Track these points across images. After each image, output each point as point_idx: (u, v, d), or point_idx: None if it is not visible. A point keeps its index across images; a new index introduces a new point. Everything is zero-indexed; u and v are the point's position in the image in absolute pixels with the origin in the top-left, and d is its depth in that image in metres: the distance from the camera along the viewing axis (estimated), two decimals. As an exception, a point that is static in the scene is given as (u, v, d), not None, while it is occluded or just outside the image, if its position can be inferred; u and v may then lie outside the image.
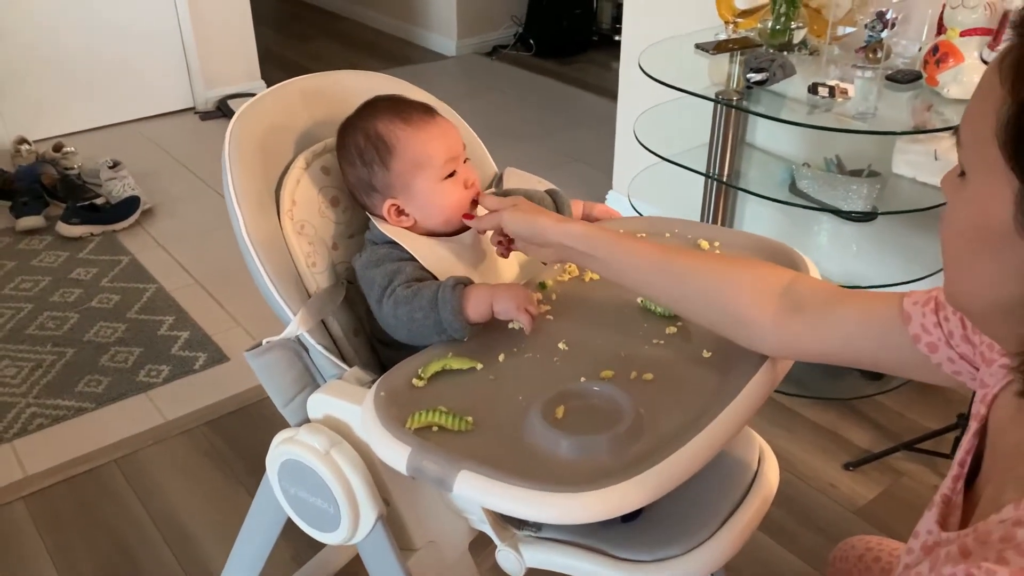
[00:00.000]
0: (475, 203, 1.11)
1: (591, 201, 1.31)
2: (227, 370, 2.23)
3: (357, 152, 1.10)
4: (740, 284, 0.91)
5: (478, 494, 0.78)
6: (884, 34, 1.93)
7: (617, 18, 4.63)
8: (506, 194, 1.23)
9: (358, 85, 1.23)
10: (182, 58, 3.80)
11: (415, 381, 0.95)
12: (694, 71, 2.10)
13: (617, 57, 2.89)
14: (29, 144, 3.29)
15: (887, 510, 1.81)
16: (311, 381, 1.05)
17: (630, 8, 2.72)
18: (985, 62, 1.75)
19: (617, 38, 4.21)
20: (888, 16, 1.91)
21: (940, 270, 2.04)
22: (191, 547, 1.71)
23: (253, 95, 1.17)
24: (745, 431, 1.09)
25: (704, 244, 1.20)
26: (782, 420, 2.05)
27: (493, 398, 0.92)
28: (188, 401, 2.12)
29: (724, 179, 2.13)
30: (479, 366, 0.97)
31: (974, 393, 0.79)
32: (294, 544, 1.65)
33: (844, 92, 1.84)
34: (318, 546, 1.56)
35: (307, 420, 1.03)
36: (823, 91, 1.84)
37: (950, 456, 1.88)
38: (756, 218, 2.49)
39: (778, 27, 2.05)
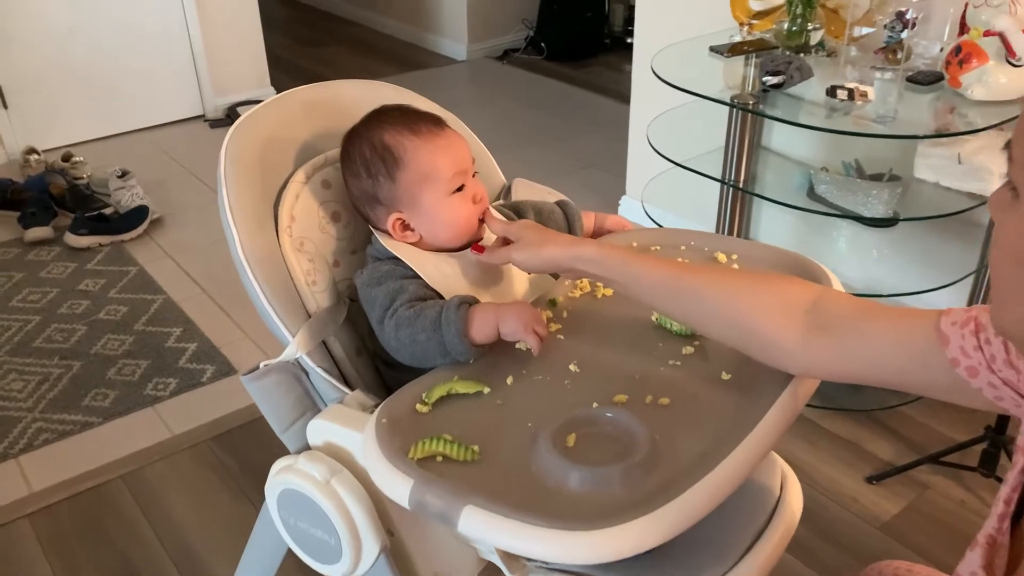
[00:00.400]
0: (483, 220, 1.07)
1: (603, 212, 1.26)
2: (235, 383, 2.19)
3: (362, 163, 1.06)
4: (763, 302, 0.87)
5: (484, 532, 0.74)
6: (904, 34, 1.88)
7: (629, 20, 4.58)
8: (515, 208, 1.19)
9: (361, 95, 1.19)
10: (191, 65, 3.78)
11: (419, 407, 0.90)
12: (708, 74, 2.06)
13: (629, 60, 2.85)
14: (38, 154, 3.29)
15: (912, 526, 1.76)
16: (311, 405, 1.01)
17: (642, 10, 2.68)
18: (1011, 63, 1.70)
19: (629, 41, 4.17)
20: (908, 16, 1.86)
21: (963, 277, 2.00)
22: (197, 566, 1.68)
23: (262, 102, 1.13)
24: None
25: (721, 257, 1.15)
26: (802, 432, 1.99)
27: (501, 425, 0.87)
28: (195, 415, 2.09)
29: (740, 185, 2.08)
30: (486, 390, 0.92)
31: (1015, 421, 0.74)
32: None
33: (863, 95, 1.78)
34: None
35: (307, 446, 0.99)
36: (842, 94, 1.79)
37: (977, 469, 1.83)
38: (773, 224, 2.43)
39: (794, 28, 2.01)
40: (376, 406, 0.93)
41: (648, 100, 2.70)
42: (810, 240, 2.39)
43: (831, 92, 1.80)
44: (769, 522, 0.94)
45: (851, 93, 1.78)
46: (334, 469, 0.92)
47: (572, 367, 0.95)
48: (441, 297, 1.02)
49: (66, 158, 3.19)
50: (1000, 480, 1.05)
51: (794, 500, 0.99)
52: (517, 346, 0.98)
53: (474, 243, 1.08)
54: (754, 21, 2.14)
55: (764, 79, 1.85)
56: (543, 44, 4.64)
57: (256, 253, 1.00)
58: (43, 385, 2.18)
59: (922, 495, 1.82)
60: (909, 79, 1.85)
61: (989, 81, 1.72)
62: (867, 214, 1.95)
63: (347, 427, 0.93)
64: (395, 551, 0.98)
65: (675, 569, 0.89)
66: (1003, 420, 1.79)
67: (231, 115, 3.79)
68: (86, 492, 1.86)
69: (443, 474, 0.80)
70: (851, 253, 2.29)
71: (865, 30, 1.99)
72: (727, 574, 0.89)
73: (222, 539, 1.74)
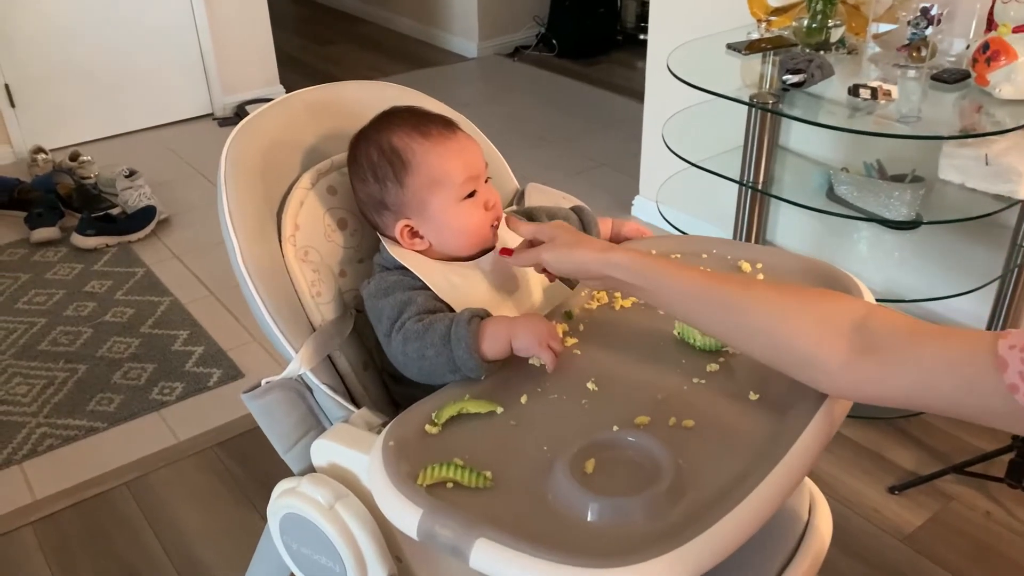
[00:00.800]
0: (495, 227, 1.02)
1: (615, 212, 1.21)
2: (242, 387, 2.14)
3: (369, 167, 1.01)
4: (805, 320, 0.81)
5: (498, 568, 0.69)
6: (928, 31, 1.83)
7: (642, 17, 4.52)
8: (528, 214, 1.14)
9: (368, 96, 1.14)
10: (200, 64, 3.74)
11: (428, 427, 0.85)
12: (726, 72, 2.01)
13: (642, 57, 2.80)
14: (46, 153, 3.26)
15: (936, 538, 1.71)
16: (316, 424, 0.97)
17: (657, 7, 2.62)
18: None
19: (642, 37, 4.12)
20: (933, 12, 1.81)
21: (989, 283, 1.94)
22: (202, 577, 1.65)
23: (272, 100, 1.09)
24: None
25: (745, 266, 1.10)
26: (822, 441, 1.94)
27: (514, 448, 0.82)
28: (201, 420, 2.05)
29: (759, 186, 2.02)
30: (499, 409, 0.88)
31: None
32: None
33: (887, 94, 1.73)
34: None
35: (312, 467, 0.94)
36: (864, 93, 1.73)
37: (1003, 480, 1.77)
38: (790, 226, 2.38)
39: (814, 25, 1.96)
40: (383, 425, 0.88)
41: (662, 98, 2.65)
42: (829, 242, 2.34)
43: (853, 91, 1.75)
44: (796, 550, 0.89)
45: (874, 92, 1.73)
46: (339, 493, 0.88)
47: (590, 385, 0.90)
48: (451, 309, 0.97)
49: (73, 157, 3.17)
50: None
51: (823, 525, 0.94)
52: (531, 361, 0.94)
53: (488, 251, 1.03)
54: (772, 18, 2.08)
55: (784, 78, 1.80)
56: (554, 41, 4.58)
57: (257, 263, 0.96)
58: (48, 389, 2.15)
59: (946, 506, 1.77)
60: (934, 77, 1.80)
61: (1018, 79, 1.67)
62: (889, 216, 1.89)
63: (353, 448, 0.89)
64: (403, 578, 0.93)
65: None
66: (1031, 430, 1.73)
67: (240, 113, 3.76)
68: (90, 499, 1.83)
69: (454, 503, 0.75)
70: (871, 256, 2.24)
71: (887, 27, 1.93)
72: (753, 607, 0.84)
73: (227, 549, 1.70)
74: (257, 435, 1.99)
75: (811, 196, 2.02)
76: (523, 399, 0.89)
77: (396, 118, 1.02)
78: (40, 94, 3.42)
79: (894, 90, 1.74)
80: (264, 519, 1.11)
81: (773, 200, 2.14)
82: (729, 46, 2.02)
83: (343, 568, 0.88)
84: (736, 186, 2.09)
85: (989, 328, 2.06)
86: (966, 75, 1.77)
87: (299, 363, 0.94)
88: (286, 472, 1.02)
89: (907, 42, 1.85)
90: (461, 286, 1.00)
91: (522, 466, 0.80)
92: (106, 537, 1.74)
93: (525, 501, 0.76)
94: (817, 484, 1.06)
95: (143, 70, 3.61)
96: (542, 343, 0.89)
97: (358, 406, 0.97)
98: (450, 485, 0.78)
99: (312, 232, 1.03)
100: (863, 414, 1.99)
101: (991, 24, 1.77)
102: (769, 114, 1.92)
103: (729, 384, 0.89)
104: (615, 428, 0.83)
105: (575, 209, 1.18)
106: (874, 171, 2.00)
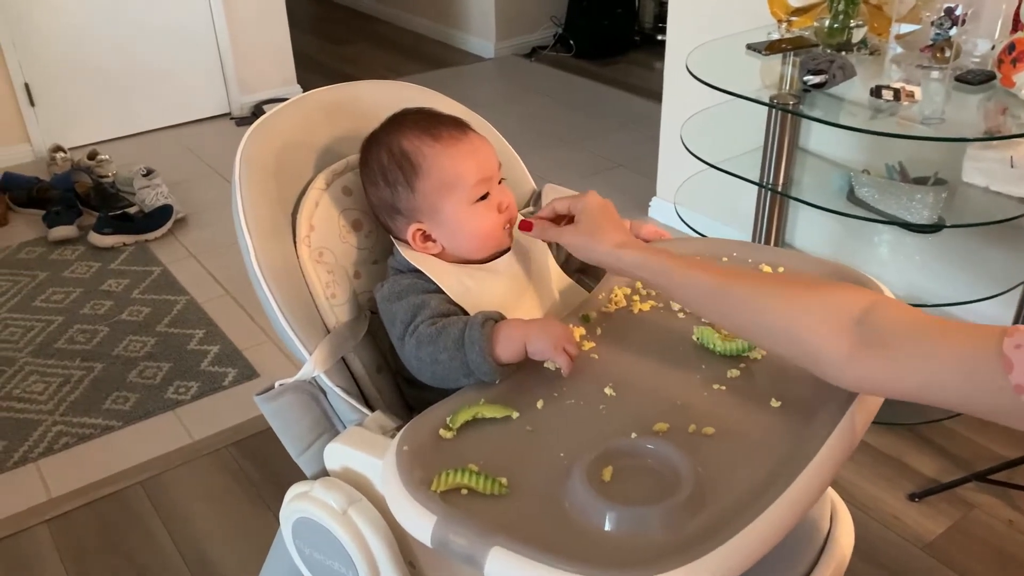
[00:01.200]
0: (509, 229, 1.01)
1: (632, 213, 1.20)
2: (257, 387, 2.14)
3: (380, 170, 1.00)
4: (811, 313, 0.80)
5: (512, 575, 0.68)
6: (953, 31, 1.80)
7: (660, 17, 4.50)
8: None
9: (384, 97, 1.13)
10: (218, 63, 3.76)
11: (443, 432, 0.84)
12: (745, 73, 1.99)
13: (660, 57, 2.78)
14: (64, 152, 3.28)
15: (958, 546, 1.68)
16: (329, 427, 0.96)
17: (675, 7, 2.60)
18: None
19: (660, 38, 4.09)
20: (957, 12, 1.78)
21: (1013, 287, 1.91)
22: (215, 577, 1.64)
23: (281, 103, 1.08)
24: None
25: (766, 269, 1.08)
26: (841, 446, 1.92)
27: (530, 454, 0.81)
28: (216, 420, 2.05)
29: (778, 188, 2.00)
30: (515, 414, 0.86)
31: None
32: None
33: (910, 95, 1.70)
34: None
35: (324, 471, 0.93)
36: (887, 94, 1.71)
37: (1027, 488, 1.74)
38: (810, 228, 2.35)
39: (836, 25, 1.93)
40: (397, 429, 0.87)
41: (680, 99, 2.62)
42: (849, 245, 2.31)
43: (876, 92, 1.72)
44: (818, 560, 0.87)
45: (897, 93, 1.70)
46: (352, 498, 0.87)
47: (607, 390, 0.89)
48: (465, 313, 0.96)
49: (92, 156, 3.18)
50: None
51: (844, 535, 0.91)
52: (546, 365, 0.92)
53: (503, 254, 1.02)
54: (793, 18, 2.06)
55: (805, 78, 1.78)
56: (572, 41, 4.57)
57: (271, 264, 0.95)
58: (64, 387, 2.15)
59: (968, 514, 1.74)
60: (958, 78, 1.77)
61: (1046, 81, 1.63)
62: (910, 219, 1.86)
63: (366, 452, 0.88)
64: (416, 583, 0.92)
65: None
66: (1056, 438, 1.71)
67: (257, 113, 3.77)
68: (105, 498, 1.83)
69: (468, 510, 0.74)
70: (892, 259, 2.21)
71: (910, 27, 1.90)
72: (773, 619, 0.82)
73: (241, 549, 1.70)
74: (272, 435, 1.97)
75: (831, 198, 1.99)
76: (539, 404, 0.87)
77: (406, 120, 1.01)
78: (59, 93, 3.43)
79: (917, 91, 1.71)
80: (279, 520, 1.10)
81: (792, 202, 2.12)
82: (749, 46, 2.00)
83: (356, 574, 0.87)
84: (755, 188, 2.06)
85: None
86: (991, 76, 1.75)
87: (313, 365, 0.93)
88: (300, 473, 1.01)
89: (931, 43, 1.83)
90: (475, 289, 0.98)
91: (538, 473, 0.78)
92: (120, 536, 1.74)
93: (541, 509, 0.74)
94: (836, 490, 1.04)
95: (161, 70, 3.63)
96: (557, 347, 0.88)
97: (372, 409, 0.96)
98: (465, 491, 0.77)
99: (327, 233, 1.02)
100: (884, 419, 1.96)
101: (1017, 24, 1.74)
102: (789, 115, 1.90)
103: (750, 390, 0.88)
104: (633, 435, 0.81)
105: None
106: (896, 173, 1.97)
